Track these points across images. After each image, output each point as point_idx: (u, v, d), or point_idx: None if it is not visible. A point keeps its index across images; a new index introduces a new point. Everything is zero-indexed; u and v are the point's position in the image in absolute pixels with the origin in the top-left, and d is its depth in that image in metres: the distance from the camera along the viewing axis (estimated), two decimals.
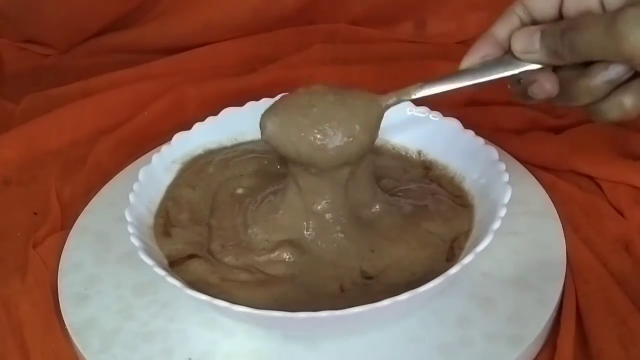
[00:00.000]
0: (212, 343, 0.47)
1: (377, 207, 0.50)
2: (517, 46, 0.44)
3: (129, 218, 0.48)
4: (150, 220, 0.52)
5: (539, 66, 0.44)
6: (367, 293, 0.46)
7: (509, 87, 0.47)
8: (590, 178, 0.58)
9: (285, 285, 0.47)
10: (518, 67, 0.44)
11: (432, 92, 0.47)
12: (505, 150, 0.59)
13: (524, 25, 0.45)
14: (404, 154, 0.58)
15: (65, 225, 0.58)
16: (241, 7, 0.80)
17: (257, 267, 0.48)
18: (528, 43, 0.44)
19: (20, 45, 0.85)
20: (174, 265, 0.49)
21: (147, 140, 0.65)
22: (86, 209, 0.58)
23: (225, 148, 0.58)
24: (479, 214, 0.50)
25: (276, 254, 0.48)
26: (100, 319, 0.49)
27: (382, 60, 0.76)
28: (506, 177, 0.49)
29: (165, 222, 0.51)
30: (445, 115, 0.56)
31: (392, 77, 0.71)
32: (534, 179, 0.57)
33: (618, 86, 0.42)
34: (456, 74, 0.46)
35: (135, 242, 0.46)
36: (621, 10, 0.39)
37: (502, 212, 0.46)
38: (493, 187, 0.49)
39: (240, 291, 0.46)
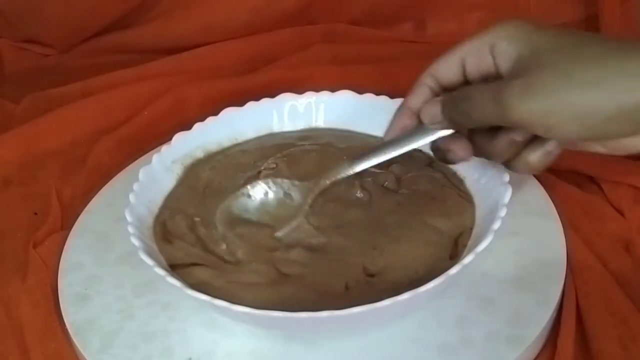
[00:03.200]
0: (212, 343, 0.47)
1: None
2: (424, 118, 0.48)
3: (129, 218, 0.48)
4: (150, 220, 0.52)
5: (451, 131, 0.47)
6: (370, 291, 0.46)
7: (432, 152, 0.50)
8: (590, 178, 0.58)
9: (294, 286, 0.46)
10: (433, 134, 0.48)
11: (360, 167, 0.50)
12: None
13: (434, 93, 0.49)
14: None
15: (65, 225, 0.58)
16: (241, 7, 0.80)
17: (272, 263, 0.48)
18: (432, 114, 0.47)
19: (20, 45, 0.85)
20: (176, 268, 0.48)
21: (147, 140, 0.65)
22: (86, 208, 0.58)
23: (225, 148, 0.58)
24: (480, 213, 0.50)
25: (294, 252, 0.49)
26: (100, 318, 0.49)
27: (382, 60, 0.75)
28: (506, 177, 0.49)
29: (164, 231, 0.51)
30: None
31: (392, 77, 0.71)
32: (534, 179, 0.57)
33: (526, 144, 0.45)
34: (379, 146, 0.50)
35: (135, 242, 0.46)
36: (505, 82, 0.43)
37: (502, 212, 0.46)
38: (493, 187, 0.49)
39: (247, 293, 0.46)
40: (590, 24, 0.76)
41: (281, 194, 0.52)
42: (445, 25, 0.81)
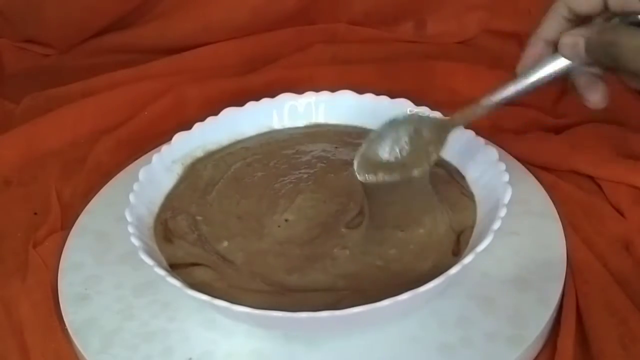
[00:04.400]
0: (212, 343, 0.47)
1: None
2: (565, 51, 0.46)
3: (129, 218, 0.48)
4: (150, 220, 0.52)
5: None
6: (379, 285, 0.46)
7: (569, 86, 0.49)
8: (590, 178, 0.58)
9: (297, 292, 0.46)
10: (568, 62, 0.46)
11: (499, 99, 0.49)
12: (505, 150, 0.59)
13: (568, 22, 0.47)
14: None
15: (65, 225, 0.58)
16: (241, 7, 0.80)
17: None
18: (575, 50, 0.45)
19: (20, 45, 0.85)
20: (176, 268, 0.48)
21: (147, 140, 0.65)
22: (86, 208, 0.58)
23: (225, 147, 0.58)
24: (480, 213, 0.50)
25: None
26: (100, 318, 0.49)
27: (382, 60, 0.76)
28: (506, 177, 0.49)
29: (165, 230, 0.51)
30: (445, 115, 0.56)
31: (392, 77, 0.71)
32: (534, 179, 0.57)
33: None
34: (514, 81, 0.49)
35: (135, 242, 0.46)
36: None
37: (502, 212, 0.46)
38: (493, 187, 0.49)
39: (247, 296, 0.46)
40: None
41: (412, 132, 0.51)
42: (445, 25, 0.81)
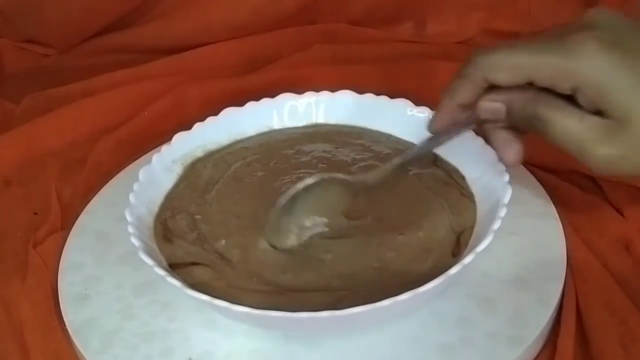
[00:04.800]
0: (212, 343, 0.47)
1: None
2: (485, 116, 0.46)
3: (129, 218, 0.48)
4: (150, 220, 0.52)
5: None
6: (376, 286, 0.46)
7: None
8: (590, 178, 0.58)
9: (297, 292, 0.46)
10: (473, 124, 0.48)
11: (412, 156, 0.51)
12: None
13: (483, 88, 0.46)
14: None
15: (65, 225, 0.58)
16: (241, 7, 0.80)
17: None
18: (495, 116, 0.45)
19: (20, 45, 0.85)
20: (176, 267, 0.48)
21: (147, 140, 0.65)
22: (86, 208, 0.58)
23: (225, 147, 0.58)
24: (480, 213, 0.50)
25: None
26: (100, 318, 0.49)
27: (382, 60, 0.75)
28: (506, 177, 0.49)
29: (164, 230, 0.51)
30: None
31: (392, 77, 0.71)
32: (534, 179, 0.57)
33: None
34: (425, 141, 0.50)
35: (135, 242, 0.46)
36: (588, 124, 0.42)
37: (502, 212, 0.46)
38: (493, 187, 0.49)
39: (246, 296, 0.46)
40: None
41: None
42: (445, 25, 0.81)
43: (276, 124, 0.60)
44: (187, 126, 0.57)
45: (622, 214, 0.55)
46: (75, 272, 0.53)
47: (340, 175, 0.50)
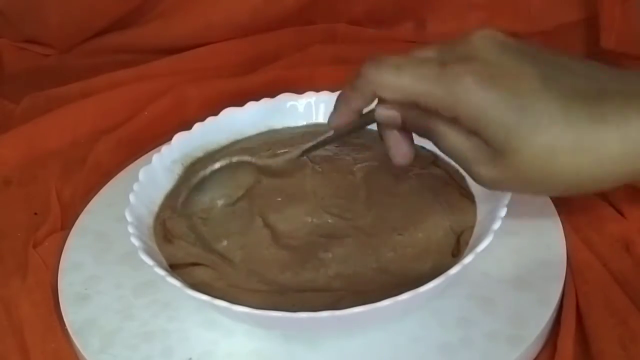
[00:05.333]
0: (212, 343, 0.47)
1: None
2: (381, 120, 0.46)
3: (129, 218, 0.48)
4: (150, 220, 0.52)
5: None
6: (377, 286, 0.46)
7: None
8: None
9: (296, 292, 0.46)
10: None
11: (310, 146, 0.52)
12: None
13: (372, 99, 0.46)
14: None
15: (65, 225, 0.58)
16: (241, 7, 0.80)
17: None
18: (391, 121, 0.46)
19: (20, 45, 0.85)
20: (176, 268, 0.48)
21: (147, 140, 0.65)
22: (86, 208, 0.58)
23: (225, 147, 0.58)
24: (480, 213, 0.50)
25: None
26: (100, 318, 0.49)
27: None
28: None
29: (164, 230, 0.51)
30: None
31: None
32: None
33: None
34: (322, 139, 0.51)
35: (135, 242, 0.46)
36: (476, 152, 0.42)
37: (502, 212, 0.46)
38: None
39: (247, 296, 0.46)
40: (590, 24, 0.76)
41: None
42: (445, 25, 0.81)
43: (276, 124, 0.60)
44: (187, 126, 0.57)
45: (622, 214, 0.55)
46: (75, 272, 0.53)
47: (247, 158, 0.54)
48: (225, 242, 0.50)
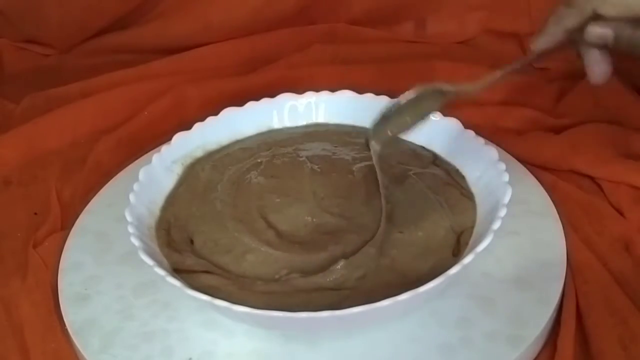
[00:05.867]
0: (212, 343, 0.47)
1: None
2: (592, 40, 0.47)
3: (129, 218, 0.48)
4: (150, 220, 0.52)
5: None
6: (379, 284, 0.46)
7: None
8: (590, 178, 0.58)
9: (310, 295, 0.46)
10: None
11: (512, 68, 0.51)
12: (505, 150, 0.59)
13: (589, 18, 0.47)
14: (410, 146, 0.58)
15: (65, 225, 0.58)
16: (241, 7, 0.80)
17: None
18: (601, 41, 0.47)
19: (20, 45, 0.85)
20: (181, 272, 0.48)
21: (147, 140, 0.65)
22: (86, 208, 0.58)
23: (225, 147, 0.58)
24: (480, 213, 0.50)
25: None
26: (100, 318, 0.49)
27: (382, 60, 0.76)
28: (506, 177, 0.49)
29: (169, 239, 0.51)
30: (445, 114, 0.56)
31: (392, 77, 0.71)
32: (534, 179, 0.57)
33: None
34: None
35: (135, 242, 0.46)
36: None
37: (502, 212, 0.46)
38: (493, 187, 0.49)
39: (256, 298, 0.46)
40: None
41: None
42: (445, 25, 0.81)
43: (276, 124, 0.60)
44: (187, 126, 0.57)
45: (622, 214, 0.55)
46: (75, 272, 0.53)
47: (442, 86, 0.52)
48: (226, 258, 0.49)
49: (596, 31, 0.46)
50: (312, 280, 0.47)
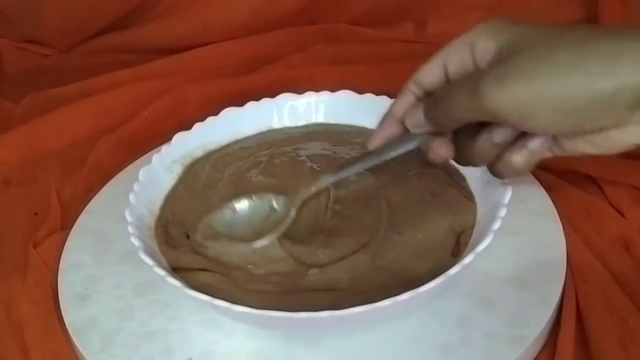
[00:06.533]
0: (212, 343, 0.47)
1: None
2: (408, 123, 0.47)
3: (129, 218, 0.48)
4: (150, 220, 0.52)
5: (433, 137, 0.47)
6: (376, 284, 0.46)
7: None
8: (590, 178, 0.58)
9: (310, 295, 0.46)
10: (416, 140, 0.48)
11: (342, 176, 0.51)
12: None
13: (418, 99, 0.48)
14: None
15: (65, 225, 0.58)
16: (241, 7, 0.80)
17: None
18: (416, 119, 0.47)
19: (20, 45, 0.85)
20: (181, 271, 0.48)
21: (147, 140, 0.65)
22: (86, 208, 0.58)
23: (224, 147, 0.58)
24: (480, 213, 0.50)
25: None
26: (100, 318, 0.49)
27: (382, 60, 0.76)
28: None
29: (167, 236, 0.51)
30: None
31: (392, 77, 0.70)
32: (534, 179, 0.57)
33: (508, 146, 0.45)
34: (362, 155, 0.51)
35: (135, 242, 0.46)
36: (481, 73, 0.42)
37: (502, 212, 0.46)
38: (493, 187, 0.49)
39: (254, 298, 0.46)
40: (590, 24, 0.76)
41: (267, 208, 0.52)
42: (445, 25, 0.81)
43: (276, 124, 0.60)
44: (187, 126, 0.57)
45: (622, 214, 0.55)
46: (75, 272, 0.53)
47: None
48: (225, 257, 0.49)
49: (409, 111, 0.47)
50: (304, 279, 0.47)
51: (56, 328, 0.50)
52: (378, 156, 0.50)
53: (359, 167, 0.51)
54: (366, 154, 0.50)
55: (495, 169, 0.46)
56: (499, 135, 0.44)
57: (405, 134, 0.48)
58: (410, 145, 0.48)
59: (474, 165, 0.47)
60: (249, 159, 0.57)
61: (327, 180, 0.51)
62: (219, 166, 0.57)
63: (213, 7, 0.80)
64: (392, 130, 0.49)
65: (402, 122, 0.48)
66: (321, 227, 0.50)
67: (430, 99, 0.46)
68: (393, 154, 0.49)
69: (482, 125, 0.44)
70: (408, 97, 0.49)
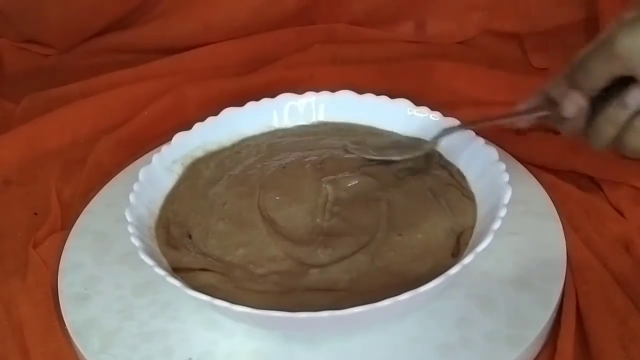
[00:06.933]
0: (212, 343, 0.47)
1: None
2: (569, 112, 0.49)
3: (129, 218, 0.48)
4: (150, 220, 0.52)
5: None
6: (376, 285, 0.46)
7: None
8: (590, 178, 0.58)
9: (310, 295, 0.46)
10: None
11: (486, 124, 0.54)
12: (505, 150, 0.59)
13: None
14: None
15: (65, 225, 0.58)
16: (241, 7, 0.80)
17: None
18: (578, 112, 0.49)
19: (20, 45, 0.85)
20: (182, 272, 0.48)
21: (147, 140, 0.65)
22: (86, 208, 0.58)
23: (225, 147, 0.58)
24: (480, 213, 0.50)
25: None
26: (100, 318, 0.49)
27: (382, 60, 0.75)
28: (506, 177, 0.49)
29: (168, 237, 0.51)
30: (445, 115, 0.56)
31: (392, 77, 0.71)
32: (534, 179, 0.57)
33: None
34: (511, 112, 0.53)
35: (135, 242, 0.46)
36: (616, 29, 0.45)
37: (502, 212, 0.46)
38: (493, 187, 0.49)
39: (253, 298, 0.46)
40: (590, 25, 0.76)
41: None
42: (445, 25, 0.81)
43: (276, 124, 0.60)
44: (187, 126, 0.57)
45: (622, 214, 0.55)
46: (75, 272, 0.53)
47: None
48: (229, 257, 0.49)
49: (571, 99, 0.49)
50: (307, 279, 0.47)
51: (56, 328, 0.50)
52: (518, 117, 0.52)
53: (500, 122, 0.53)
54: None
55: (624, 139, 0.47)
56: (631, 99, 0.46)
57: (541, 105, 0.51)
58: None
59: (603, 137, 0.48)
60: (250, 159, 0.57)
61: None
62: (219, 165, 0.57)
63: (213, 7, 0.80)
64: (540, 103, 0.51)
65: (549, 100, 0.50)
66: (319, 228, 0.50)
67: (572, 62, 0.48)
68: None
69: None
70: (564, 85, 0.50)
